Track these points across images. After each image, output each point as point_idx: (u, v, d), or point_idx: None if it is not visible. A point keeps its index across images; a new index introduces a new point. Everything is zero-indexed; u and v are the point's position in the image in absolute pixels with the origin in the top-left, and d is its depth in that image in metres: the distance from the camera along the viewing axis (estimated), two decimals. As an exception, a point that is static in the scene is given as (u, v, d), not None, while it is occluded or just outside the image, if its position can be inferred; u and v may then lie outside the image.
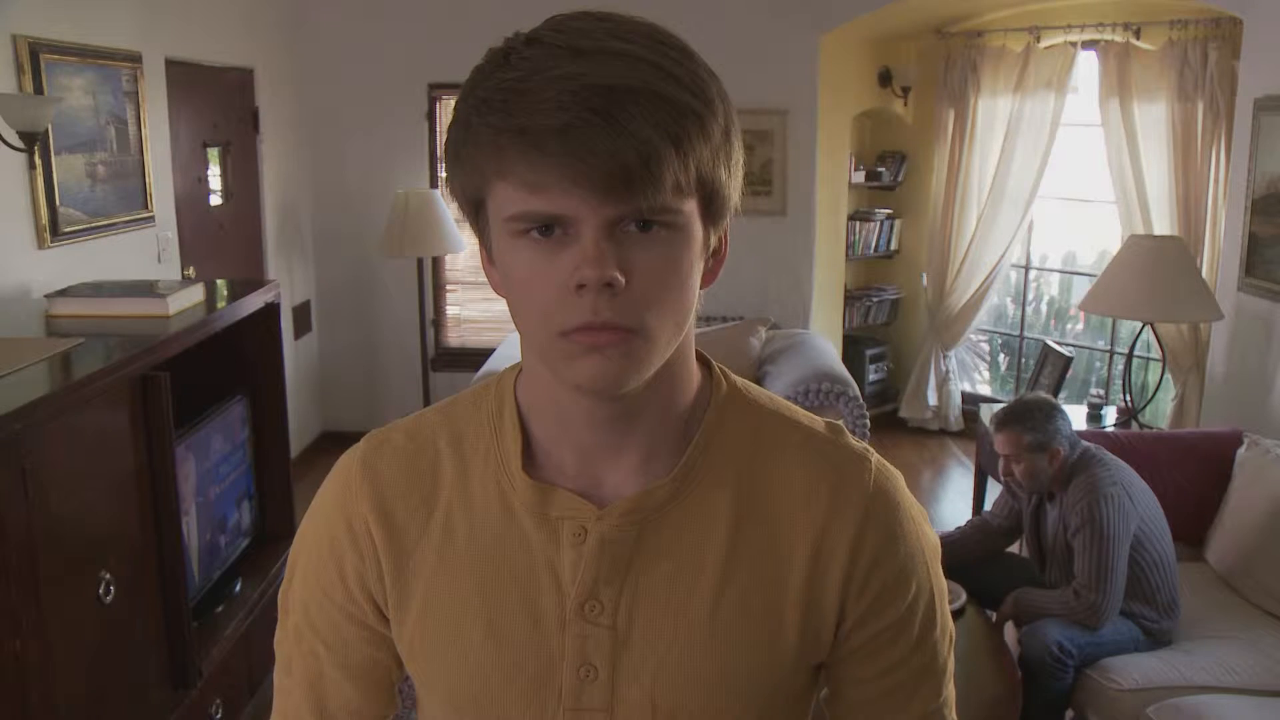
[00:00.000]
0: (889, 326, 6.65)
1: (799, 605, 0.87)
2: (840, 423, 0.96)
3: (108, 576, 2.26)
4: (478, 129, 0.79)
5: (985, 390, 6.46)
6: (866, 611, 0.90)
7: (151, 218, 3.87)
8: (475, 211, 0.81)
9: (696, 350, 0.90)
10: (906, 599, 0.92)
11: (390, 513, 0.88)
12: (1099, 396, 4.48)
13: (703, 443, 0.87)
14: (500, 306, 5.44)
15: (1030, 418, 2.87)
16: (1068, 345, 5.57)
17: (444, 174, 0.72)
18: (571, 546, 0.84)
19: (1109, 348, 5.85)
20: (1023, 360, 6.22)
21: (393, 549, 0.88)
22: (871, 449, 0.95)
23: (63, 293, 2.91)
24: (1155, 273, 4.01)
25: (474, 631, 0.86)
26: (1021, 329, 6.25)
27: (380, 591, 0.90)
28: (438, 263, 5.88)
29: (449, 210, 5.45)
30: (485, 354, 4.82)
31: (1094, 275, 4.78)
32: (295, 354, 5.43)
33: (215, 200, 4.65)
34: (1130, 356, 4.48)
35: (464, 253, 5.73)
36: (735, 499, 0.87)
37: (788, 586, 0.87)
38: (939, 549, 1.01)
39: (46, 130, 3.07)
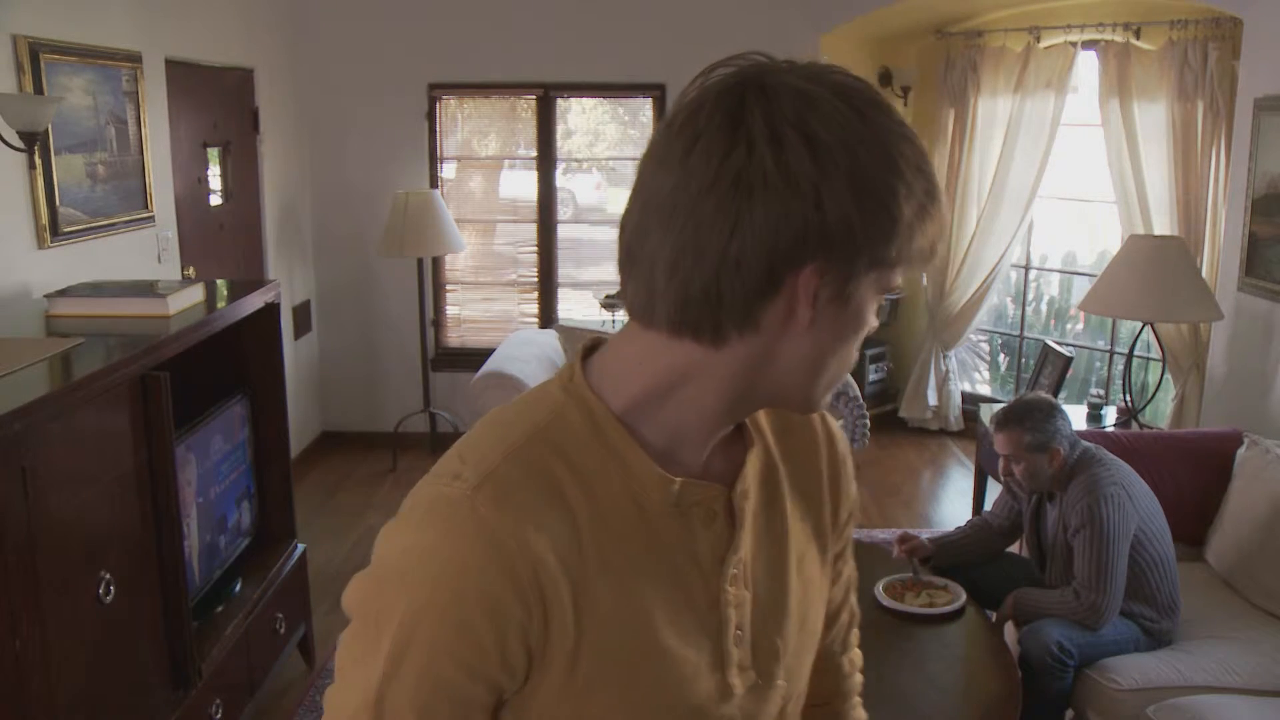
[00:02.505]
0: (889, 326, 6.64)
1: (825, 545, 1.03)
2: None
3: (108, 576, 2.26)
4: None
5: (985, 390, 6.46)
6: (842, 539, 1.08)
7: (151, 218, 3.87)
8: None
9: None
10: (854, 520, 1.10)
11: (557, 551, 0.82)
12: (1099, 396, 4.48)
13: (752, 416, 0.97)
14: (500, 306, 5.40)
15: (1030, 418, 2.87)
16: (1068, 345, 5.57)
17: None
18: (705, 528, 0.90)
19: (1109, 348, 5.85)
20: (1023, 360, 6.22)
21: (567, 588, 0.82)
22: None
23: (63, 293, 2.91)
24: (1155, 273, 4.01)
25: (664, 637, 0.87)
26: (1021, 329, 6.25)
27: (541, 644, 0.82)
28: (438, 263, 5.88)
29: (449, 210, 5.45)
30: (485, 354, 4.82)
31: (1094, 275, 4.78)
32: (295, 354, 5.43)
33: (215, 200, 4.65)
34: (1130, 356, 4.48)
35: (464, 253, 5.74)
36: (776, 460, 0.99)
37: (823, 530, 1.03)
38: None
39: (46, 130, 3.07)
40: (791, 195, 0.76)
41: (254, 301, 3.16)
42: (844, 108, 0.78)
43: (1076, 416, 4.25)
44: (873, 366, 6.40)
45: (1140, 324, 4.28)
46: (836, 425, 1.07)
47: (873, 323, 0.85)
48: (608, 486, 0.86)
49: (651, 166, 0.83)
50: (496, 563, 0.80)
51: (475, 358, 5.06)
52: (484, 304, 6.03)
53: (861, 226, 0.78)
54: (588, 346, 0.93)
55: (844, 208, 0.77)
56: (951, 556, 3.15)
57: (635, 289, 0.85)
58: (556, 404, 0.88)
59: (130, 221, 3.72)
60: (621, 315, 5.62)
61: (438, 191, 5.45)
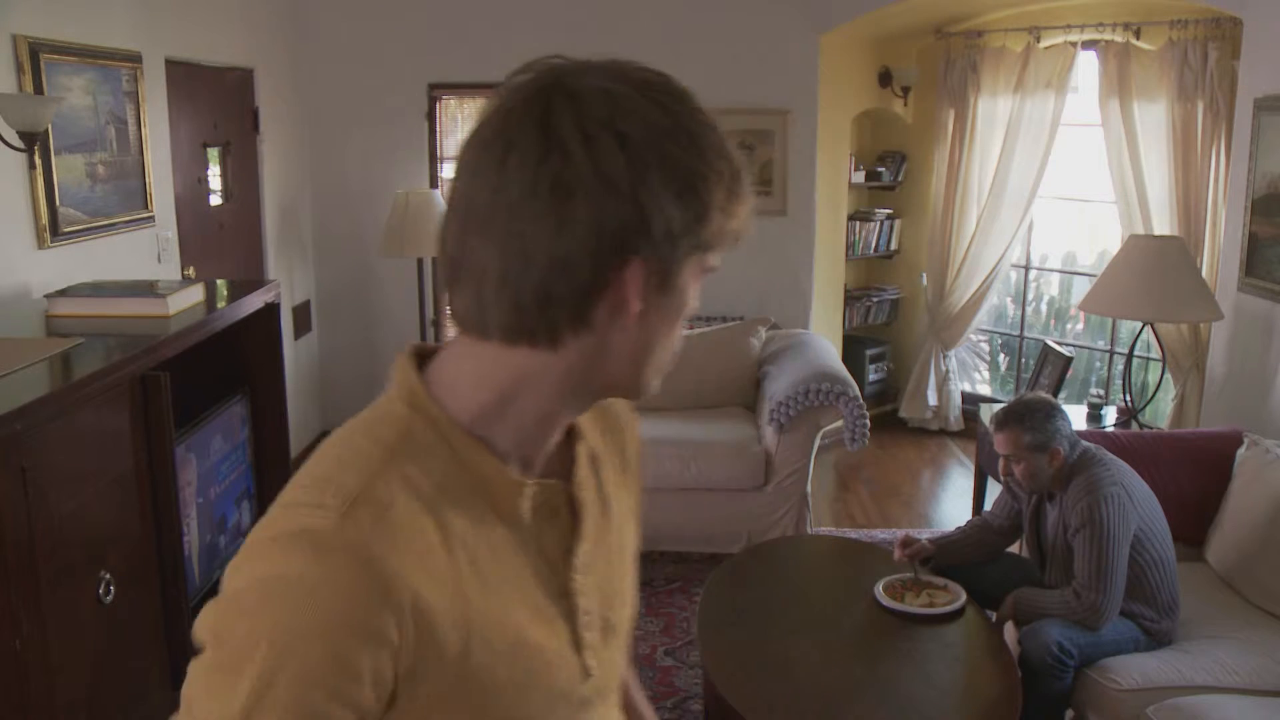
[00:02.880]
0: (889, 326, 6.65)
1: (639, 521, 1.11)
2: None
3: (108, 576, 2.26)
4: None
5: (985, 390, 6.46)
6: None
7: (151, 218, 3.87)
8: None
9: None
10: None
11: (429, 568, 0.82)
12: (1099, 396, 4.48)
13: None
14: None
15: (1030, 418, 2.87)
16: (1068, 345, 5.57)
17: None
18: (550, 523, 0.94)
19: (1109, 348, 5.85)
20: (1023, 360, 6.22)
21: (443, 602, 0.82)
22: None
23: (63, 293, 2.92)
24: (1155, 273, 4.01)
25: (530, 632, 0.90)
26: (1021, 329, 6.25)
27: (412, 664, 0.81)
28: (438, 263, 5.88)
29: (449, 210, 5.44)
30: (485, 354, 4.82)
31: (1094, 275, 4.78)
32: (295, 354, 5.42)
33: (215, 200, 4.65)
34: (1130, 356, 4.48)
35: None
36: (596, 448, 1.03)
37: (637, 507, 1.10)
38: None
39: (46, 130, 3.07)
40: (609, 195, 0.78)
41: (254, 301, 3.16)
42: (648, 103, 0.81)
43: (1076, 416, 4.25)
44: (873, 366, 6.41)
45: (1140, 324, 4.28)
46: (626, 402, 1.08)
47: (694, 304, 0.88)
48: (465, 497, 0.87)
49: (465, 178, 0.84)
50: (371, 588, 0.78)
51: (475, 358, 5.06)
52: (484, 304, 6.02)
53: (679, 217, 0.80)
54: (417, 356, 0.92)
55: (660, 201, 0.79)
56: (951, 557, 3.15)
57: (465, 302, 0.85)
58: (403, 421, 0.87)
59: (130, 221, 3.72)
60: (621, 315, 5.62)
61: (438, 191, 5.45)
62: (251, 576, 0.81)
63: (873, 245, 6.38)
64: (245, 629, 0.79)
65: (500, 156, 0.80)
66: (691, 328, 5.24)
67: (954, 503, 5.28)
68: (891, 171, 6.35)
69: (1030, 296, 6.33)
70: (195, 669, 0.81)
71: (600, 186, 0.78)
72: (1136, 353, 4.82)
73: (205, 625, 0.82)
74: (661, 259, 0.81)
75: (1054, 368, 4.89)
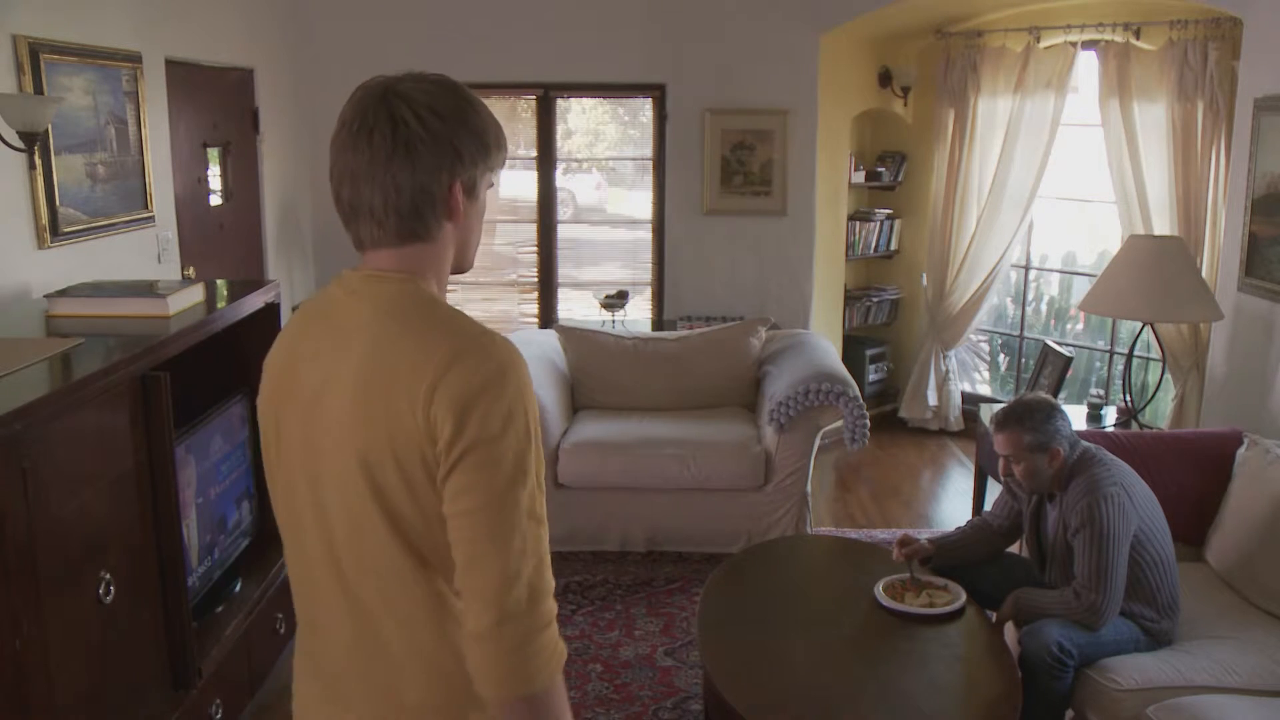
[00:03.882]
0: (889, 326, 6.65)
1: None
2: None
3: (108, 576, 2.26)
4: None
5: (985, 390, 6.46)
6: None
7: (151, 218, 3.87)
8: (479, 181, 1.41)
9: None
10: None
11: None
12: (1099, 396, 4.48)
13: None
14: (500, 306, 5.42)
15: (1030, 418, 2.87)
16: (1068, 345, 5.57)
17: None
18: None
19: (1109, 348, 5.85)
20: (1023, 360, 6.22)
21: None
22: None
23: (63, 293, 2.91)
24: (1155, 273, 4.01)
25: None
26: (1021, 329, 6.25)
27: None
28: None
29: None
30: (485, 354, 4.82)
31: (1094, 275, 4.78)
32: (295, 354, 5.42)
33: (215, 200, 4.65)
34: (1130, 356, 4.48)
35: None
36: None
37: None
38: None
39: (46, 130, 3.07)
40: (439, 146, 1.32)
41: (254, 301, 3.16)
42: (447, 92, 1.37)
43: (1076, 416, 4.25)
44: (873, 366, 6.41)
45: (1140, 324, 4.28)
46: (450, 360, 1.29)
47: (485, 208, 1.44)
48: None
49: (346, 154, 1.36)
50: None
51: (475, 358, 5.05)
52: (484, 304, 6.02)
53: (480, 154, 1.37)
54: (373, 275, 1.41)
55: (467, 145, 1.35)
56: (951, 557, 3.15)
57: (365, 228, 1.39)
58: (442, 301, 1.38)
59: (130, 221, 3.72)
60: (621, 314, 5.62)
61: (438, 191, 5.45)
62: (491, 363, 1.26)
63: (873, 245, 6.39)
64: (510, 370, 1.28)
65: (367, 136, 1.33)
66: (691, 328, 5.25)
67: (954, 503, 5.28)
68: (891, 171, 6.35)
69: (1030, 296, 6.33)
70: (494, 424, 1.24)
71: (432, 141, 1.32)
72: (1136, 353, 4.82)
73: (473, 398, 1.24)
74: (470, 178, 1.37)
75: (1054, 368, 4.89)
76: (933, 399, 6.22)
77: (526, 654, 1.22)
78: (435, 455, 1.24)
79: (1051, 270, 6.40)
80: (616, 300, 5.60)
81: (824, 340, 4.96)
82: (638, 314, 5.87)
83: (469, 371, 1.23)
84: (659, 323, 5.79)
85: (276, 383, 1.44)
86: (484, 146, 1.38)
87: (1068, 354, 4.91)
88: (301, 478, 1.39)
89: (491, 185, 1.43)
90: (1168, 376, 5.09)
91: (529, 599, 1.22)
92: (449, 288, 1.45)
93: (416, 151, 1.31)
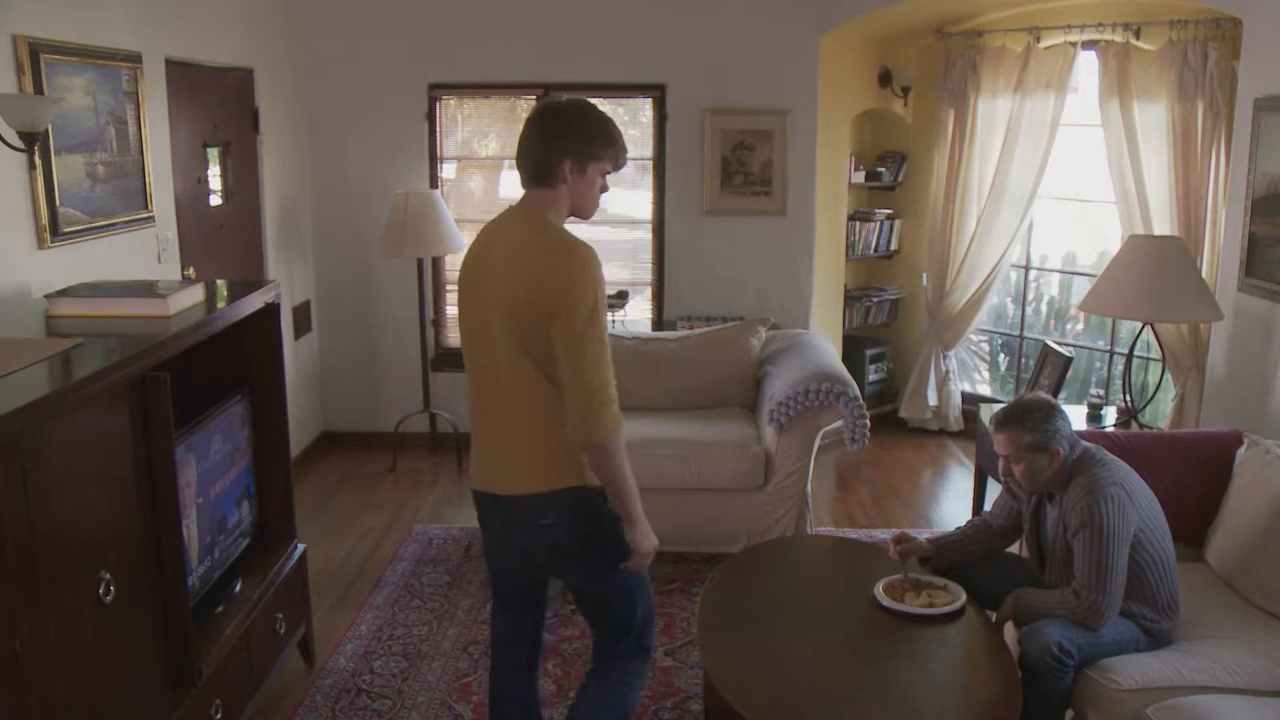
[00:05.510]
0: (889, 326, 6.65)
1: None
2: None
3: (108, 576, 2.26)
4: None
5: (985, 390, 6.46)
6: None
7: (151, 218, 3.88)
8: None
9: None
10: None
11: None
12: (1099, 396, 4.48)
13: None
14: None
15: (1030, 418, 2.87)
16: (1068, 345, 5.57)
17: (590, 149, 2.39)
18: None
19: (1109, 348, 5.85)
20: (1023, 360, 6.22)
21: None
22: None
23: (63, 293, 2.91)
24: (1155, 273, 4.01)
25: None
26: (1021, 329, 6.25)
27: None
28: (438, 263, 5.88)
29: (449, 210, 5.46)
30: (485, 354, 4.82)
31: (1094, 275, 4.78)
32: (295, 354, 5.43)
33: (215, 200, 4.65)
34: (1130, 356, 4.48)
35: (463, 253, 5.73)
36: None
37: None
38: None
39: (46, 130, 3.07)
40: (558, 137, 2.33)
41: (254, 301, 3.16)
42: (575, 108, 2.37)
43: (1076, 416, 4.25)
44: (873, 366, 6.41)
45: (1140, 324, 4.28)
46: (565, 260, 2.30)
47: (603, 184, 2.41)
48: None
49: (527, 135, 2.36)
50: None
51: (475, 358, 5.06)
52: (484, 304, 6.02)
53: (584, 148, 2.34)
54: (520, 205, 2.44)
55: (575, 141, 2.33)
56: (951, 557, 3.15)
57: (523, 175, 2.38)
58: (555, 224, 2.36)
59: (130, 221, 3.72)
60: (621, 314, 5.62)
61: (438, 192, 5.45)
62: (581, 257, 2.27)
63: (873, 245, 6.39)
64: (587, 262, 2.28)
65: (535, 127, 2.35)
66: (691, 327, 5.25)
67: (954, 503, 5.28)
68: (891, 171, 6.35)
69: (1030, 296, 6.33)
70: (583, 309, 2.25)
71: (558, 135, 2.33)
72: (1136, 353, 4.82)
73: (580, 277, 2.26)
74: (579, 159, 2.34)
75: (1054, 368, 4.89)
76: (933, 399, 6.22)
77: (593, 417, 2.23)
78: (545, 309, 2.24)
79: (1051, 270, 6.40)
80: (616, 300, 5.60)
81: (824, 340, 4.95)
82: (638, 314, 5.87)
83: (562, 264, 2.25)
84: (659, 323, 5.79)
85: (470, 264, 2.46)
86: (588, 144, 2.33)
87: (1068, 354, 4.91)
88: (479, 324, 2.41)
89: (606, 172, 2.39)
90: (1168, 376, 5.09)
91: (594, 384, 2.23)
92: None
93: (551, 139, 2.33)
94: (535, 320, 2.25)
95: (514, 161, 2.38)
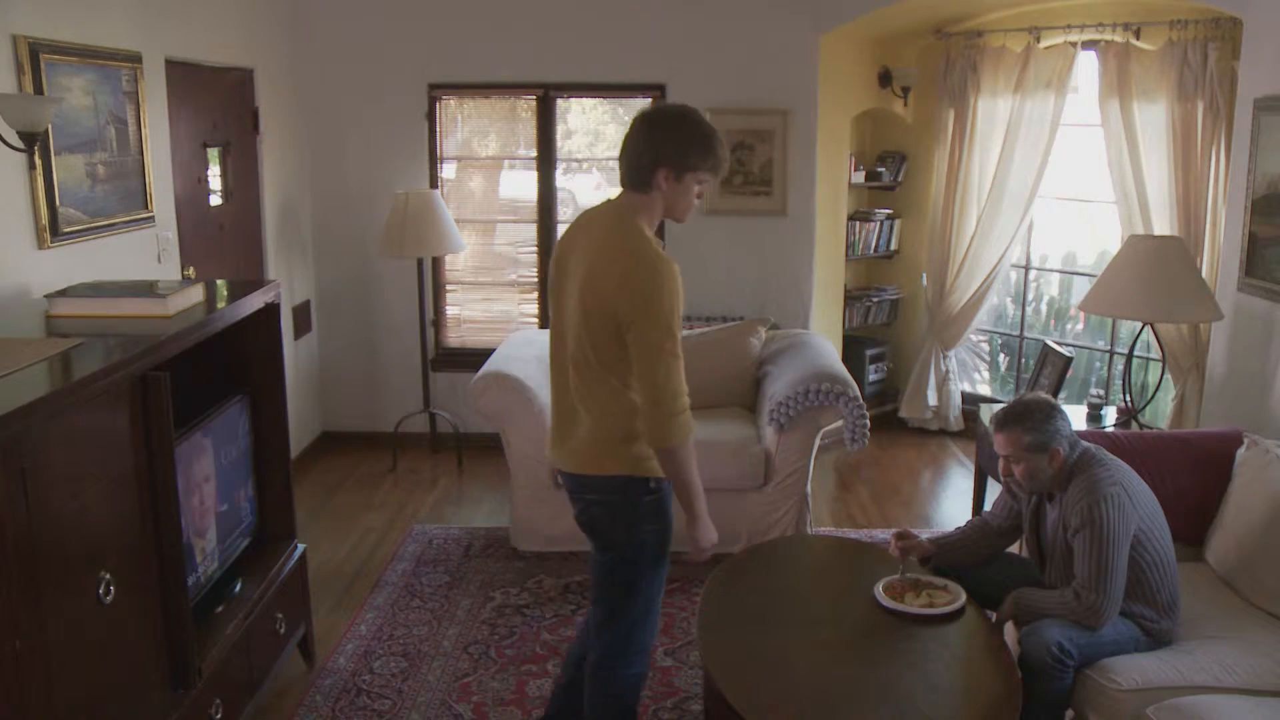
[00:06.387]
0: (889, 326, 6.65)
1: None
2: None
3: (108, 576, 2.26)
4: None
5: (985, 390, 6.46)
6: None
7: (151, 218, 3.88)
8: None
9: None
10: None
11: None
12: (1099, 396, 4.48)
13: None
14: (500, 306, 5.46)
15: (1030, 418, 2.87)
16: (1068, 345, 5.57)
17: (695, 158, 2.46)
18: None
19: (1109, 348, 5.85)
20: (1023, 360, 6.22)
21: None
22: None
23: (63, 293, 2.91)
24: (1155, 273, 4.01)
25: None
26: (1021, 329, 6.25)
27: None
28: (438, 263, 5.88)
29: (449, 210, 5.46)
30: (485, 354, 4.83)
31: (1094, 275, 4.78)
32: (295, 354, 5.43)
33: (215, 200, 4.65)
34: (1130, 356, 4.48)
35: (464, 253, 5.74)
36: None
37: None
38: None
39: (46, 130, 3.07)
40: (658, 145, 2.44)
41: (254, 301, 3.16)
42: (675, 115, 2.49)
43: (1076, 416, 4.25)
44: (873, 366, 6.40)
45: (1140, 324, 4.28)
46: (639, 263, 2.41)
47: (699, 191, 2.51)
48: None
49: (630, 138, 2.48)
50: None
51: (475, 358, 5.06)
52: (484, 304, 6.03)
53: (679, 157, 2.43)
54: (613, 203, 2.55)
55: (670, 149, 2.43)
56: (951, 557, 3.15)
57: (622, 174, 2.50)
58: (641, 230, 2.45)
59: (130, 221, 3.72)
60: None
61: (438, 191, 5.45)
62: (649, 257, 2.40)
63: (873, 245, 6.39)
64: (666, 277, 2.39)
65: (637, 130, 2.48)
66: (692, 327, 5.25)
67: (954, 503, 5.28)
68: (891, 171, 6.34)
69: (1030, 296, 6.33)
70: (651, 303, 2.37)
71: (653, 140, 2.45)
72: (1136, 353, 4.82)
73: (648, 278, 2.38)
74: (674, 168, 2.44)
75: (1054, 368, 4.89)
76: (933, 399, 6.22)
77: (665, 424, 2.42)
78: (620, 317, 2.38)
79: (1051, 270, 6.40)
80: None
81: (824, 340, 4.95)
82: (638, 314, 5.86)
83: (643, 277, 2.36)
84: (659, 323, 5.77)
85: (558, 259, 2.61)
86: (685, 155, 2.42)
87: (1068, 354, 4.91)
88: (558, 314, 2.60)
89: (701, 182, 2.49)
90: (1168, 376, 5.09)
91: (666, 394, 2.39)
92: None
93: (641, 149, 2.45)
94: (607, 324, 2.41)
95: (615, 160, 2.54)
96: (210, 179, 4.59)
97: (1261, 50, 4.15)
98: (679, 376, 2.42)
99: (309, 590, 3.61)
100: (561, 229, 5.92)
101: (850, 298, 6.34)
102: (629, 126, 2.47)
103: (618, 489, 2.56)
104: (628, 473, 2.54)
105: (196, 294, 3.03)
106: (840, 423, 4.26)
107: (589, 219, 2.57)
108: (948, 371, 6.18)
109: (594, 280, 2.42)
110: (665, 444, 2.45)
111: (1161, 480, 3.22)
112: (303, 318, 5.64)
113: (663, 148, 2.41)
